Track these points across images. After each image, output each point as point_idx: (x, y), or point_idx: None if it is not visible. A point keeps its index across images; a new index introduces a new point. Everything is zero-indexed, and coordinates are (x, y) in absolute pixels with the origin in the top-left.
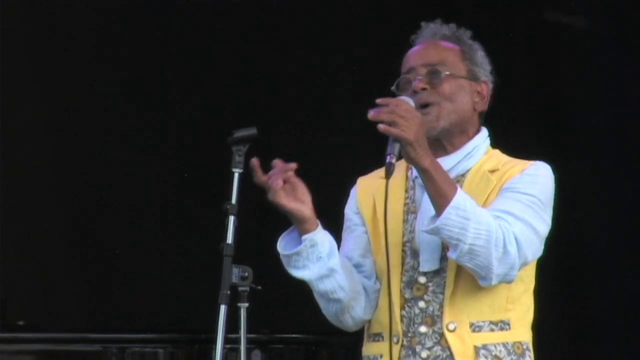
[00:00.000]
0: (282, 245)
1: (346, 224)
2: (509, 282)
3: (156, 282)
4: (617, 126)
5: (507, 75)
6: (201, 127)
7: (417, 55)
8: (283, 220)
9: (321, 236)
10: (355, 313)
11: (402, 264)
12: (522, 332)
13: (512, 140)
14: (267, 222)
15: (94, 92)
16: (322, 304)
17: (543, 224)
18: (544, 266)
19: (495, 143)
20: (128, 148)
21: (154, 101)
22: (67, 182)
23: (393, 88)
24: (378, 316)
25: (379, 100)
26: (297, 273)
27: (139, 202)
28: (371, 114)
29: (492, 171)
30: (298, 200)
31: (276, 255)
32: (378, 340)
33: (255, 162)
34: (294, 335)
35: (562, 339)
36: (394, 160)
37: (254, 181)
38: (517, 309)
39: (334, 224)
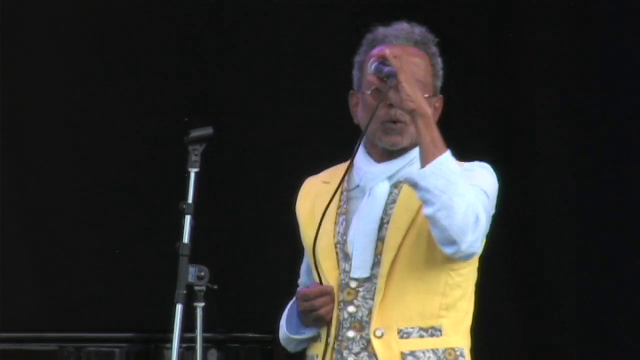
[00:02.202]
0: (289, 324)
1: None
2: (471, 256)
3: (112, 281)
4: (571, 130)
5: (463, 81)
6: (158, 126)
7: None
8: (239, 220)
9: None
10: None
11: (338, 267)
12: (456, 338)
13: (465, 144)
14: (223, 221)
15: (49, 89)
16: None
17: (489, 204)
18: (497, 265)
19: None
20: (83, 146)
21: (110, 98)
22: (21, 179)
23: (368, 92)
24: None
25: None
26: (297, 336)
27: (94, 201)
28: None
29: None
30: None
31: (232, 254)
32: (316, 340)
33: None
34: (250, 335)
35: (515, 334)
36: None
37: None
38: (451, 315)
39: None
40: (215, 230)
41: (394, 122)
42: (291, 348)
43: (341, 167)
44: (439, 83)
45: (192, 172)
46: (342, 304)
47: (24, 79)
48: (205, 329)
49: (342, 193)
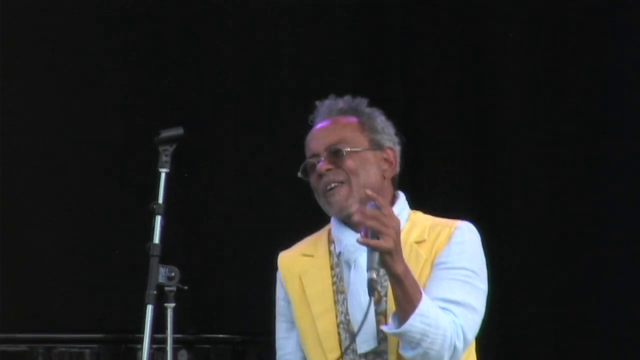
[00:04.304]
0: None
1: (280, 317)
2: None
3: (82, 282)
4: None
5: (437, 80)
6: (128, 126)
7: (317, 139)
8: (209, 221)
9: None
10: None
11: (340, 347)
12: None
13: (444, 142)
14: (193, 222)
15: (19, 90)
16: None
17: (481, 297)
18: None
19: (428, 150)
20: (53, 145)
21: (80, 98)
22: None
23: (299, 174)
24: None
25: (359, 210)
26: None
27: (65, 201)
28: (357, 218)
29: (419, 242)
30: None
31: (203, 255)
32: None
33: None
34: (220, 336)
35: None
36: (375, 276)
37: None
38: None
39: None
40: (185, 230)
41: (330, 189)
42: None
43: (316, 237)
44: (379, 137)
45: (163, 172)
46: None
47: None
48: (175, 330)
49: (332, 268)
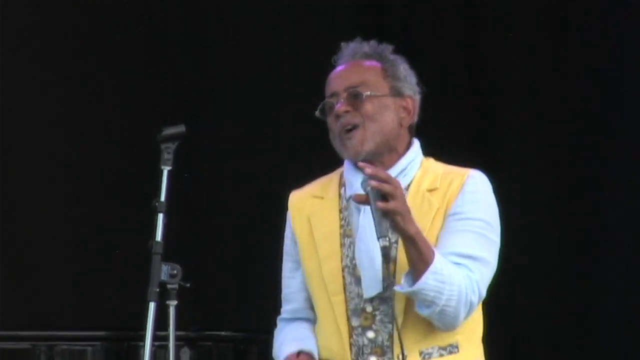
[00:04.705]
0: None
1: (286, 256)
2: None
3: (85, 280)
4: (546, 126)
5: (438, 79)
6: (130, 124)
7: (338, 79)
8: (212, 219)
9: None
10: None
11: (344, 291)
12: (471, 351)
13: (444, 142)
14: (196, 219)
15: (22, 87)
16: None
17: (494, 250)
18: None
19: (427, 148)
20: (54, 143)
21: (82, 95)
22: None
23: (317, 113)
24: (326, 342)
25: (369, 171)
26: None
27: (67, 199)
28: (373, 183)
29: (431, 190)
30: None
31: (205, 252)
32: None
33: None
34: (222, 333)
35: None
36: (387, 243)
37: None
38: (465, 330)
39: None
40: (188, 228)
41: (347, 130)
42: None
43: (328, 179)
44: (400, 84)
45: (165, 170)
46: (359, 329)
47: None
48: (177, 327)
49: (340, 211)
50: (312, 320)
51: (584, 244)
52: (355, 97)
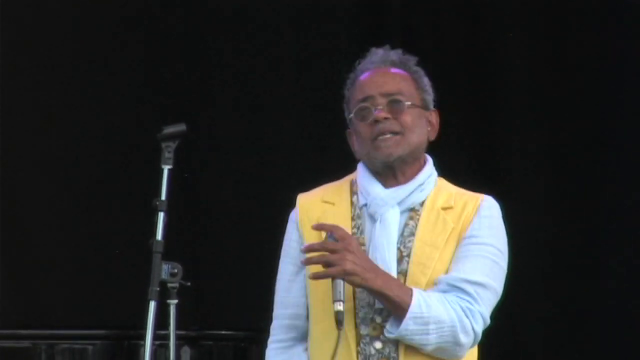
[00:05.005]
0: None
1: (288, 259)
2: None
3: (85, 278)
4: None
5: (438, 79)
6: (130, 123)
7: (373, 84)
8: (212, 217)
9: None
10: None
11: (354, 298)
12: None
13: (444, 142)
14: (196, 218)
15: (21, 89)
16: None
17: (502, 277)
18: None
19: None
20: (55, 142)
21: (82, 96)
22: None
23: (351, 116)
24: (329, 349)
25: (304, 249)
26: None
27: (68, 197)
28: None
29: (445, 209)
30: None
31: (206, 251)
32: None
33: None
34: (223, 332)
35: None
36: (342, 308)
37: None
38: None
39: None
40: (188, 227)
41: (383, 135)
42: None
43: (337, 185)
44: (427, 97)
45: (165, 169)
46: (367, 338)
47: None
48: (178, 326)
49: (352, 219)
50: (306, 335)
51: (584, 246)
52: (395, 105)
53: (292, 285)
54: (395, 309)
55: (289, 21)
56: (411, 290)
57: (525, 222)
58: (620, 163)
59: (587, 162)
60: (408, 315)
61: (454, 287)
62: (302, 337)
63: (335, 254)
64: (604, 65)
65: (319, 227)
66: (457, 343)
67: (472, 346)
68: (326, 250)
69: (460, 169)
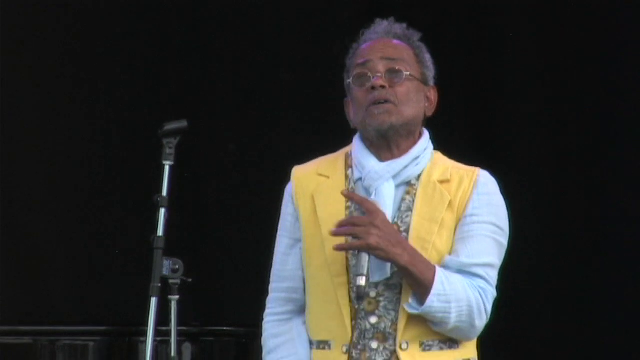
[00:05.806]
0: None
1: (284, 232)
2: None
3: (86, 275)
4: (549, 122)
5: (438, 79)
6: (131, 119)
7: (372, 49)
8: (214, 214)
9: None
10: None
11: (348, 272)
12: (469, 349)
13: (445, 140)
14: (198, 214)
15: (21, 85)
16: None
17: (503, 254)
18: None
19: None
20: (56, 138)
21: (82, 92)
22: None
23: (349, 81)
24: (325, 323)
25: (333, 232)
26: None
27: (69, 193)
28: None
29: (442, 182)
30: None
31: (207, 247)
32: (324, 348)
33: None
34: (224, 328)
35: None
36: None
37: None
38: None
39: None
40: (190, 223)
41: (379, 102)
42: None
43: (332, 159)
44: (428, 72)
45: (167, 165)
46: (362, 312)
47: None
48: (179, 323)
49: (347, 181)
50: (303, 308)
51: (584, 247)
52: (394, 74)
53: (288, 259)
54: (418, 286)
55: (289, 20)
56: (434, 267)
57: (524, 197)
58: (622, 158)
59: (590, 156)
60: (433, 292)
61: (464, 272)
62: (300, 310)
63: (360, 228)
64: (604, 62)
65: (349, 196)
66: (472, 322)
67: (484, 326)
68: (352, 225)
69: (460, 145)
